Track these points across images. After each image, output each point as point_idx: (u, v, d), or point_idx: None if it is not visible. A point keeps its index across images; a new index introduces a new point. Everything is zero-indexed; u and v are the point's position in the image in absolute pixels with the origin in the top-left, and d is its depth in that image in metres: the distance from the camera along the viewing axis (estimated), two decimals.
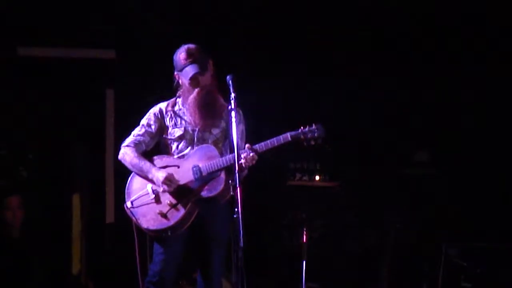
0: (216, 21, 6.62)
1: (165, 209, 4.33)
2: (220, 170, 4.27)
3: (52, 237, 6.42)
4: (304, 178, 6.42)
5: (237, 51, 6.59)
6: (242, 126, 4.48)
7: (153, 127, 4.50)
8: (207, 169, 4.30)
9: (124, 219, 4.48)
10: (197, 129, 4.43)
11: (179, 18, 6.58)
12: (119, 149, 4.53)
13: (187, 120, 4.46)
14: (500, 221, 6.39)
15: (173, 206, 4.33)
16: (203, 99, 4.39)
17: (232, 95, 4.10)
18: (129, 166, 4.47)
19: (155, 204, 4.37)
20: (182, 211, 4.31)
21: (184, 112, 4.48)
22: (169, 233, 4.33)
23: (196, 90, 4.39)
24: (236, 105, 4.11)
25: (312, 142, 4.25)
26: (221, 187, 4.27)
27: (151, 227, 4.35)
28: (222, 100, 4.41)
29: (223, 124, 4.42)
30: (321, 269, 6.45)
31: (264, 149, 4.23)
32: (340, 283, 6.57)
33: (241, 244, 3.82)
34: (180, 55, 4.40)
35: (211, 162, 4.29)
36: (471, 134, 6.65)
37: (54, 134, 6.83)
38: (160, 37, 6.46)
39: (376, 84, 6.72)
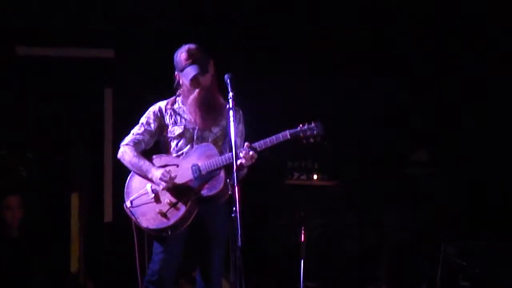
0: (216, 21, 6.62)
1: (164, 208, 4.33)
2: (219, 169, 4.27)
3: (51, 237, 6.42)
4: (302, 177, 6.43)
5: (237, 51, 6.59)
6: (241, 126, 4.48)
7: (152, 125, 4.50)
8: (206, 168, 4.29)
9: (123, 219, 4.48)
10: (197, 127, 4.43)
11: (179, 17, 6.58)
12: (118, 148, 4.53)
13: (187, 118, 4.46)
14: (499, 221, 6.40)
15: (172, 205, 4.33)
16: (203, 100, 4.39)
17: (230, 94, 4.09)
18: (128, 165, 4.46)
19: (154, 203, 4.36)
20: (182, 210, 4.31)
21: (184, 111, 4.47)
22: (169, 232, 4.32)
23: (197, 90, 4.39)
24: (236, 104, 4.11)
25: (311, 140, 4.25)
26: (220, 185, 4.27)
27: (151, 226, 4.34)
28: (222, 100, 4.40)
29: (223, 122, 4.42)
30: (320, 268, 6.45)
31: (263, 147, 4.23)
32: (339, 283, 6.57)
33: (239, 243, 3.81)
34: (181, 55, 4.39)
35: (210, 161, 4.29)
36: (470, 134, 6.65)
37: (53, 133, 6.84)
38: (159, 36, 6.46)
39: (375, 84, 6.72)
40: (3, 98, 6.69)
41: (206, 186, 4.30)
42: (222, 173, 4.27)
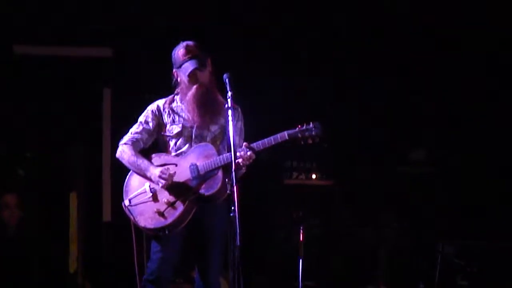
0: (216, 20, 6.62)
1: (162, 207, 4.33)
2: (217, 168, 4.27)
3: (49, 236, 6.42)
4: (301, 176, 6.44)
5: (237, 51, 6.59)
6: (240, 123, 4.47)
7: (150, 124, 4.50)
8: (204, 167, 4.29)
9: (121, 218, 4.48)
10: (195, 126, 4.43)
11: (178, 16, 6.58)
12: (117, 147, 4.53)
13: (185, 117, 4.45)
14: (497, 220, 6.40)
15: (170, 204, 4.33)
16: (201, 96, 4.38)
17: (229, 93, 4.09)
18: (127, 164, 4.46)
19: (152, 203, 4.36)
20: (179, 210, 4.31)
21: (182, 109, 4.47)
22: (167, 232, 4.32)
23: (195, 86, 4.38)
24: (235, 102, 4.11)
25: (310, 141, 4.25)
26: (218, 185, 4.26)
27: (149, 226, 4.34)
28: (220, 97, 4.39)
29: (221, 121, 4.41)
30: (318, 267, 6.46)
31: (261, 147, 4.23)
32: (337, 282, 6.57)
33: (238, 242, 3.82)
34: (179, 51, 4.39)
35: (209, 161, 4.29)
36: (468, 133, 6.66)
37: (52, 133, 6.83)
38: (158, 36, 6.46)
39: (375, 84, 6.73)
40: (1, 97, 6.68)
41: (204, 185, 4.30)
42: (220, 173, 4.27)
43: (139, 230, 4.41)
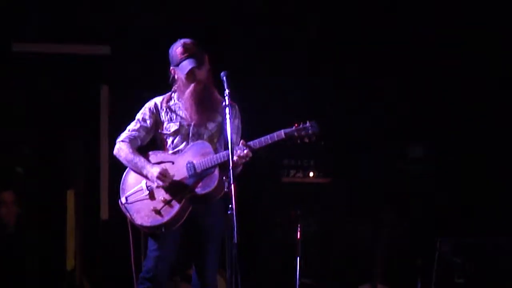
0: (216, 20, 6.62)
1: (159, 205, 4.33)
2: (214, 166, 4.27)
3: (46, 233, 6.41)
4: (298, 174, 6.43)
5: (237, 51, 6.58)
6: (237, 121, 4.47)
7: (148, 122, 4.50)
8: (201, 165, 4.29)
9: (119, 216, 4.48)
10: (192, 124, 4.43)
11: (178, 15, 6.57)
12: (114, 144, 4.53)
13: (183, 115, 4.45)
14: (494, 217, 6.41)
15: (167, 202, 4.33)
16: (199, 94, 4.38)
17: (226, 91, 4.10)
18: (124, 162, 4.47)
19: (149, 201, 4.37)
20: (176, 208, 4.31)
21: (179, 107, 4.47)
22: (163, 230, 4.33)
23: (192, 84, 4.38)
24: (232, 99, 4.11)
25: (306, 140, 4.24)
26: (214, 184, 4.26)
27: (145, 224, 4.35)
28: (218, 95, 4.40)
29: (219, 118, 4.42)
30: (316, 265, 6.46)
31: (258, 146, 4.23)
32: (335, 280, 6.58)
33: (235, 240, 3.82)
34: (177, 49, 4.39)
35: (205, 159, 4.29)
36: (466, 130, 6.66)
37: (49, 130, 6.83)
38: (156, 33, 6.45)
39: (374, 83, 6.73)
40: None
41: (200, 184, 4.30)
42: (217, 171, 4.27)
43: (136, 227, 4.41)
